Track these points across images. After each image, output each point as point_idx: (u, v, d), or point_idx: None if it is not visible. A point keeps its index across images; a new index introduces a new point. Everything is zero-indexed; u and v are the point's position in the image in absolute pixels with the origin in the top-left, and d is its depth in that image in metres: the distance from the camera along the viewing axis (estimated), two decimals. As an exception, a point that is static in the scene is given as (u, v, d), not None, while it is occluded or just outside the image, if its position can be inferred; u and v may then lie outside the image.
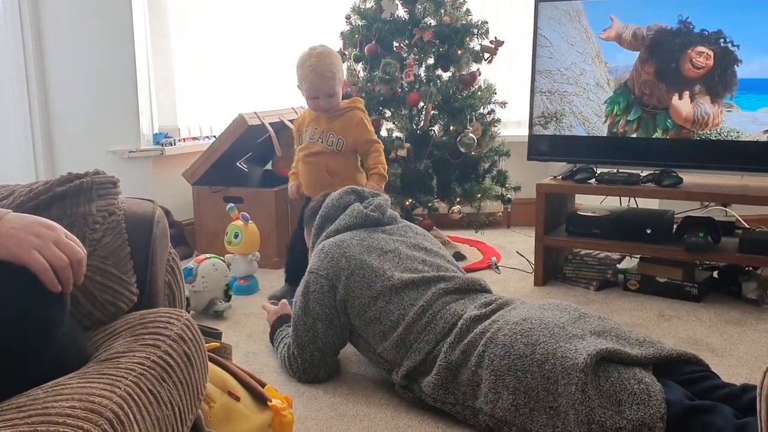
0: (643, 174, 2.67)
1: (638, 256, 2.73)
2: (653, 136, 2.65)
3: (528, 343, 1.48)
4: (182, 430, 0.99)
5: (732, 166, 2.55)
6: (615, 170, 2.75)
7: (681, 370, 1.46)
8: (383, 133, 3.15)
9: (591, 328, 1.54)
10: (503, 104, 3.20)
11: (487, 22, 3.14)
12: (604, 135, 2.75)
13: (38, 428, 0.75)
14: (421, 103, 3.03)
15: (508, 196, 3.19)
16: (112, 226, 1.15)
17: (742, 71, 2.47)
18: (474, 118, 3.06)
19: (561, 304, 1.67)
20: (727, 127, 2.51)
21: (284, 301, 2.20)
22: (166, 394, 0.95)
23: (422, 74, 3.14)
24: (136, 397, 0.88)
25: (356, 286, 1.77)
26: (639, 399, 1.33)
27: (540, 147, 2.88)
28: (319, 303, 1.80)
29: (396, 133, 3.17)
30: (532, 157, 2.90)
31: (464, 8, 3.15)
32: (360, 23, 3.13)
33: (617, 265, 2.76)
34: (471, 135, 2.98)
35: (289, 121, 3.15)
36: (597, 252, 2.80)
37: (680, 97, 2.57)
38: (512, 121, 3.77)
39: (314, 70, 2.34)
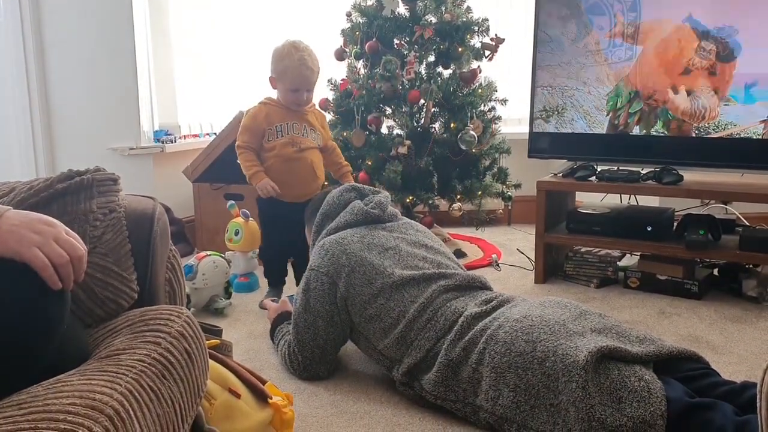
0: (644, 171, 2.67)
1: (639, 253, 2.73)
2: (654, 130, 2.65)
3: (528, 340, 1.48)
4: (183, 427, 0.99)
5: (732, 163, 2.55)
6: (615, 168, 2.74)
7: (681, 368, 1.46)
8: (384, 130, 3.16)
9: (591, 325, 1.54)
10: (504, 101, 3.20)
11: (487, 20, 3.14)
12: (605, 132, 2.75)
13: (39, 425, 0.75)
14: (422, 101, 3.03)
15: (509, 193, 3.19)
16: (112, 223, 1.15)
17: (741, 65, 2.47)
18: (474, 115, 3.06)
19: (561, 301, 1.67)
20: (724, 120, 2.52)
21: (285, 298, 2.20)
22: (167, 391, 0.95)
23: (423, 71, 3.14)
24: (136, 394, 0.88)
25: (357, 283, 1.77)
26: (639, 396, 1.33)
27: (540, 144, 2.88)
28: (320, 300, 1.80)
29: (397, 131, 3.17)
30: (532, 155, 2.90)
31: (465, 5, 3.16)
32: (361, 20, 3.13)
33: (618, 263, 2.76)
34: (472, 132, 2.98)
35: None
36: (597, 249, 2.80)
37: (676, 92, 2.58)
38: (513, 119, 3.77)
39: (304, 63, 2.34)
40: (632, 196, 2.96)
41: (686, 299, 2.52)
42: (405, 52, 3.10)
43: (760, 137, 2.47)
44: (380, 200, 2.01)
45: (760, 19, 2.44)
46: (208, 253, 2.50)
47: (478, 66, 3.15)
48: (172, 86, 3.40)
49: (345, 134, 3.07)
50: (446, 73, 3.16)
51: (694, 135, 2.58)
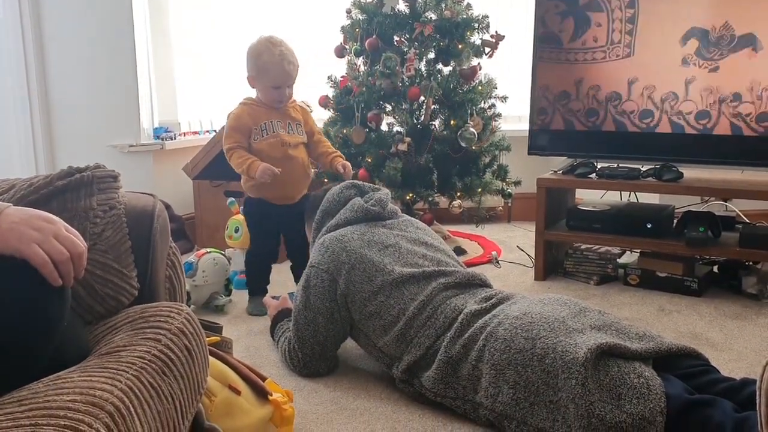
0: (644, 169, 2.67)
1: (638, 250, 2.73)
2: (654, 127, 2.65)
3: (528, 337, 1.48)
4: (183, 424, 0.99)
5: (732, 160, 2.55)
6: (615, 165, 2.74)
7: (681, 365, 1.46)
8: (384, 127, 3.15)
9: (591, 322, 1.54)
10: (504, 99, 3.20)
11: (487, 17, 3.14)
12: (605, 129, 2.75)
13: (39, 422, 0.75)
14: (422, 98, 3.03)
15: (509, 190, 3.19)
16: (112, 220, 1.15)
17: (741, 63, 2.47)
18: (474, 112, 3.06)
19: (561, 298, 1.67)
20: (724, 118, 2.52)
21: (285, 295, 2.20)
22: (167, 387, 0.95)
23: (423, 68, 3.13)
24: (137, 390, 0.88)
25: (357, 280, 1.77)
26: (639, 393, 1.34)
27: (540, 141, 2.88)
28: (320, 297, 1.80)
29: (397, 128, 3.17)
30: (532, 152, 2.90)
31: (465, 2, 3.16)
32: (361, 17, 3.13)
33: (617, 260, 2.76)
34: (471, 129, 2.98)
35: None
36: (597, 246, 2.80)
37: (676, 88, 2.58)
38: (513, 116, 3.77)
39: (285, 58, 2.27)
40: (632, 193, 2.96)
41: (686, 296, 2.52)
42: (405, 49, 3.10)
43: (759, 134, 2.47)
44: (380, 197, 2.01)
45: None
46: (208, 250, 2.50)
47: (478, 63, 3.15)
48: (171, 83, 3.40)
49: (345, 131, 3.07)
50: (446, 70, 3.16)
51: (694, 132, 2.58)
